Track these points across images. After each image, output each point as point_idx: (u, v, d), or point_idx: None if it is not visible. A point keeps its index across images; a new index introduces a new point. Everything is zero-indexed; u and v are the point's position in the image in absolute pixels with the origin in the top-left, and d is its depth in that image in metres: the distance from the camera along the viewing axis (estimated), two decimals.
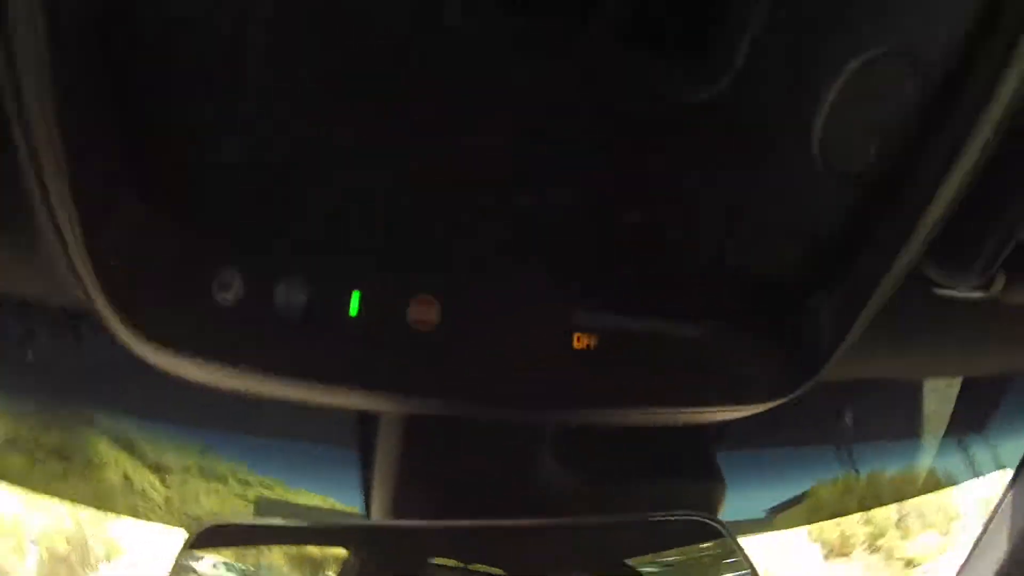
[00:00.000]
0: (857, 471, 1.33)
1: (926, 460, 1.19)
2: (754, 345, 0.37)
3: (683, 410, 0.35)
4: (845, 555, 1.57)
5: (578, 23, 0.23)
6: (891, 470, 1.35)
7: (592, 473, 0.44)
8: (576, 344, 0.31)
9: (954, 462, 1.21)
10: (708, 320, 0.35)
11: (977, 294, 0.41)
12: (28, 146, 0.25)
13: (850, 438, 1.05)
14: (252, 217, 0.28)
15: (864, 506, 1.51)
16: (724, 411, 0.36)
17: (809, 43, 0.28)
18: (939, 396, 1.00)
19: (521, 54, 0.24)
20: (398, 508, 0.42)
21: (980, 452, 1.06)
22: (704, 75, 0.27)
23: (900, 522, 1.64)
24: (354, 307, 0.28)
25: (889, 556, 1.68)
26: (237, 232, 0.28)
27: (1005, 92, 0.29)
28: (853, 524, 1.51)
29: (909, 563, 1.70)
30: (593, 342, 0.31)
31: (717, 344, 0.36)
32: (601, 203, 0.30)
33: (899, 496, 1.45)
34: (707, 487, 0.47)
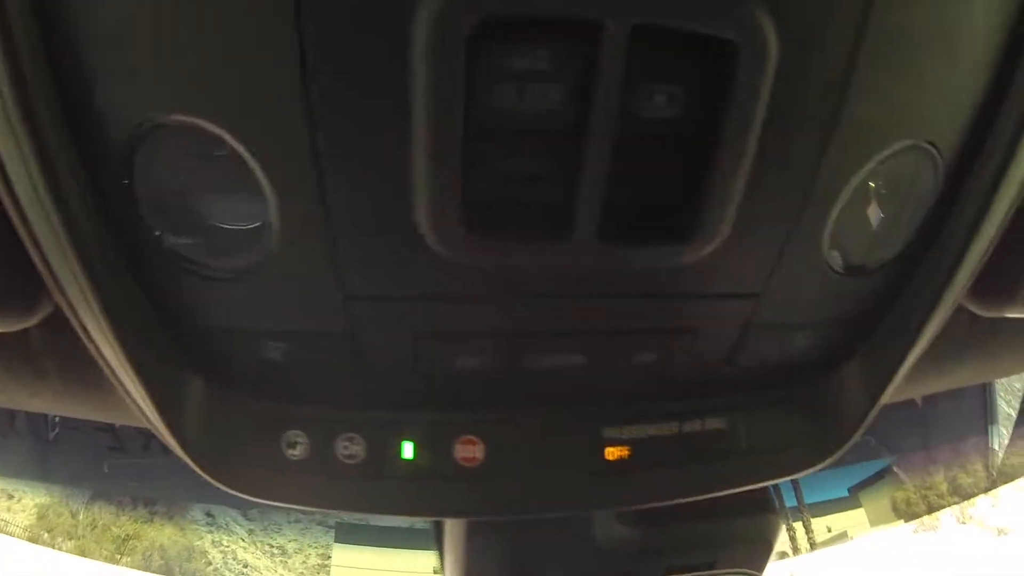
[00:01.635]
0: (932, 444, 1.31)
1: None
2: (783, 423, 0.37)
3: (717, 493, 0.37)
4: (934, 528, 1.53)
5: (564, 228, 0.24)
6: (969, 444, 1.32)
7: (650, 520, 0.44)
8: (608, 457, 0.34)
9: None
10: (734, 409, 0.36)
11: None
12: (99, 356, 0.29)
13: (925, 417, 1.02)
14: (310, 386, 0.31)
15: (949, 477, 1.48)
16: (759, 484, 0.37)
17: (814, 159, 0.26)
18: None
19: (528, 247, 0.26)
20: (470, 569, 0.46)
21: None
22: (697, 241, 0.26)
23: (989, 490, 1.59)
24: (407, 453, 0.32)
25: (981, 525, 1.63)
26: (298, 400, 0.32)
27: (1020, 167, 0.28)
28: (941, 496, 1.48)
29: (1001, 532, 1.65)
30: (625, 452, 0.34)
31: (745, 430, 0.36)
32: (619, 350, 0.32)
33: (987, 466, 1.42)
34: (763, 520, 0.46)
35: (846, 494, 1.38)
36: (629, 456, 0.34)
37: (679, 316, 0.31)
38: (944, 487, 1.48)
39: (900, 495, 1.43)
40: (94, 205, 0.23)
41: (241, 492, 0.31)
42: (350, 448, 0.32)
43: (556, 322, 0.29)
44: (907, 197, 0.30)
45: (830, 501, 1.36)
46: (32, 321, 0.29)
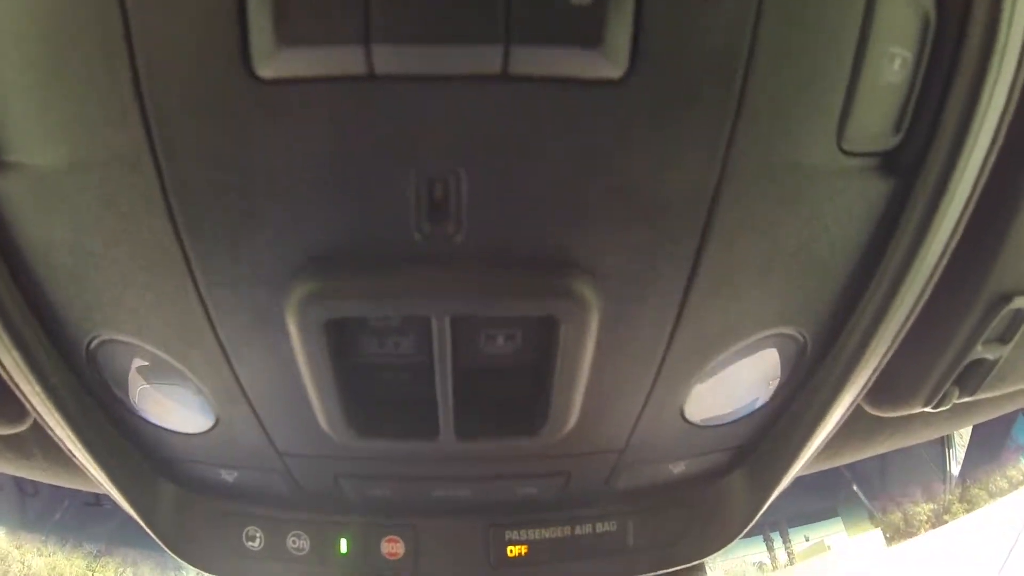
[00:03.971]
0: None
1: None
2: (670, 524, 0.41)
3: None
4: (910, 535, 1.54)
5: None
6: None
7: None
8: (509, 554, 0.39)
9: None
10: (621, 514, 0.40)
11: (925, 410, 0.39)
12: (78, 462, 0.35)
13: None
14: (264, 495, 0.37)
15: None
16: (649, 574, 0.41)
17: (654, 364, 0.28)
18: None
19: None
20: None
21: None
22: (543, 435, 0.30)
23: (964, 494, 1.61)
24: (343, 548, 0.39)
25: (957, 529, 1.65)
26: (254, 503, 0.38)
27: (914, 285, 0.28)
28: (915, 504, 1.49)
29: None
30: (524, 550, 0.39)
31: (633, 530, 0.40)
32: (500, 489, 0.37)
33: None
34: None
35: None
36: (528, 553, 0.39)
37: (548, 467, 0.35)
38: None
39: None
40: (67, 369, 0.29)
41: (209, 572, 0.39)
42: (298, 543, 0.38)
43: (443, 471, 0.35)
44: (766, 375, 0.31)
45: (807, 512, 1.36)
46: (22, 428, 0.35)
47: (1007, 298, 0.33)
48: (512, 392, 0.29)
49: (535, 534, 0.40)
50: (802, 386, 0.33)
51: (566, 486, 0.37)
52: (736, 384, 0.32)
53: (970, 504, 1.65)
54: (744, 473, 0.39)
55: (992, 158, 0.26)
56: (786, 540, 1.43)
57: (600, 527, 0.40)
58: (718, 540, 0.41)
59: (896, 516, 1.49)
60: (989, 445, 1.28)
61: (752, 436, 0.37)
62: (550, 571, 0.39)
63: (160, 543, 0.38)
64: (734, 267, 0.25)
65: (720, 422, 0.34)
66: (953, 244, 0.27)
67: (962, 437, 1.37)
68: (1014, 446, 1.53)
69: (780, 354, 0.31)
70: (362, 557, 0.39)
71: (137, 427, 0.33)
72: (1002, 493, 1.66)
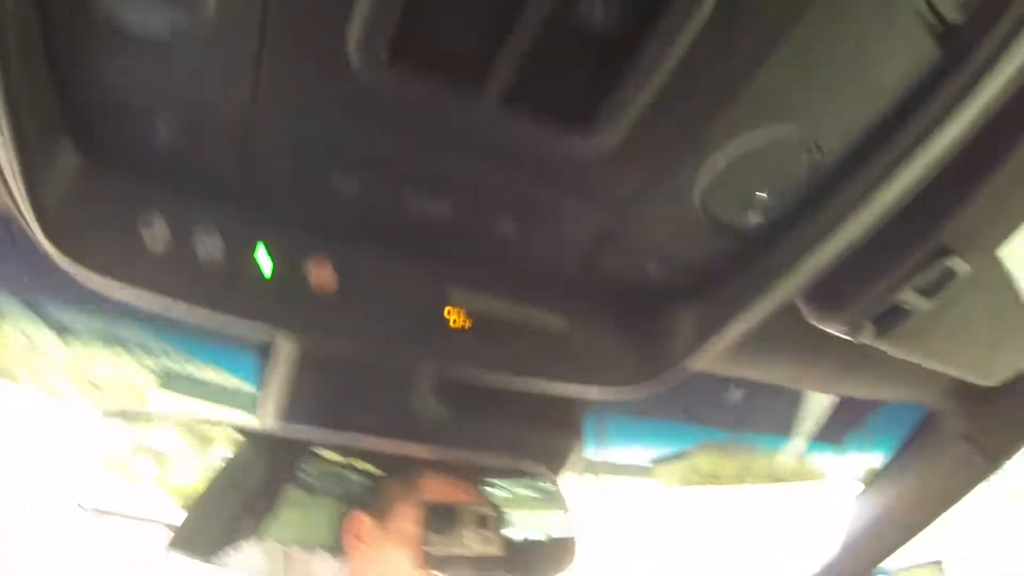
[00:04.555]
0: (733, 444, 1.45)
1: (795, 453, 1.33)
2: (614, 337, 0.41)
3: (543, 382, 0.39)
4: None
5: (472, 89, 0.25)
6: (763, 453, 1.49)
7: (462, 407, 0.45)
8: (447, 317, 0.36)
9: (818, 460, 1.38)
10: (573, 315, 0.40)
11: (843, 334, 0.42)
12: None
13: (734, 416, 1.13)
14: (178, 172, 0.30)
15: (738, 478, 1.67)
16: (585, 389, 0.40)
17: (700, 114, 0.29)
18: (818, 401, 1.13)
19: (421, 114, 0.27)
20: (286, 412, 0.42)
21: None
22: (589, 139, 0.28)
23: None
24: (262, 257, 0.32)
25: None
26: (163, 180, 0.31)
27: (902, 182, 0.30)
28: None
29: None
30: (466, 321, 0.36)
31: (584, 335, 0.40)
32: (485, 207, 0.33)
33: (770, 475, 1.61)
34: (566, 438, 0.50)
35: (647, 464, 1.53)
36: (470, 326, 0.36)
37: (548, 197, 0.32)
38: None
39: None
40: None
41: (92, 270, 0.30)
42: (208, 249, 0.31)
43: (436, 163, 0.30)
44: (779, 181, 0.33)
45: (631, 466, 1.51)
46: None
47: (947, 252, 0.35)
48: (581, 76, 0.26)
49: (482, 304, 0.36)
50: (792, 221, 0.34)
51: (548, 240, 0.34)
52: (748, 173, 0.32)
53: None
54: (693, 311, 0.40)
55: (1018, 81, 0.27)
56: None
57: (551, 321, 0.38)
58: (653, 367, 0.41)
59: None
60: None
61: (716, 269, 0.38)
62: (487, 351, 0.37)
63: (33, 226, 0.29)
64: (810, 49, 0.26)
65: (718, 220, 0.34)
66: (964, 128, 0.29)
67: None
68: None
69: (793, 168, 0.32)
70: (284, 280, 0.32)
71: (89, 38, 0.25)
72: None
